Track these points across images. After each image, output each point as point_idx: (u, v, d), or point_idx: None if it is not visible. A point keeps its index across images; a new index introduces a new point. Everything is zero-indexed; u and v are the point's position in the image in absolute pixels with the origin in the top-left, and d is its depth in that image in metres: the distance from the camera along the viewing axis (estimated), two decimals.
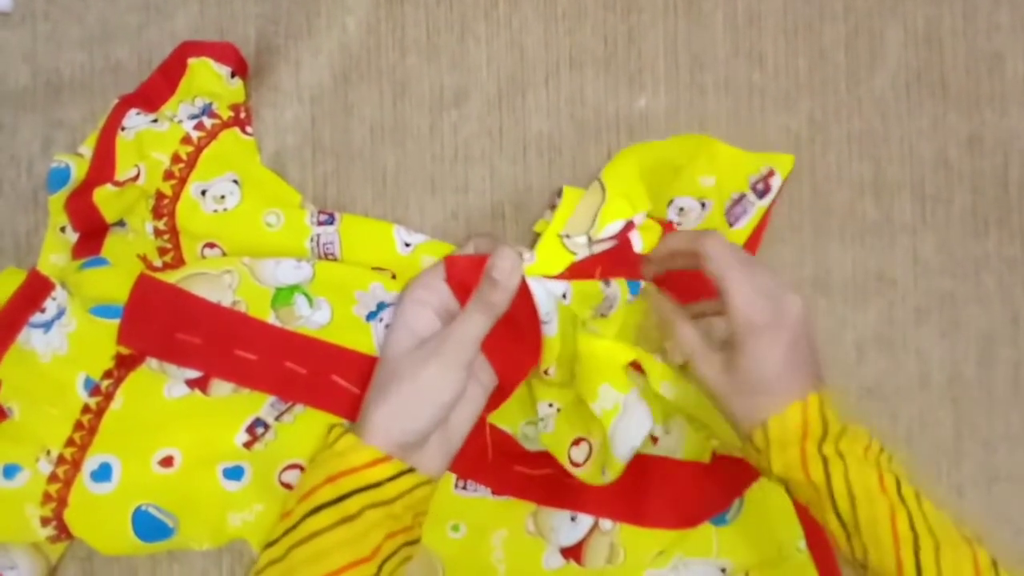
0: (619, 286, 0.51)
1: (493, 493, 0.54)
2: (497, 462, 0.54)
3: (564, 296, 0.50)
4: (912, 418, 0.56)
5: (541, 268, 0.50)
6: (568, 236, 0.51)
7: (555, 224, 0.51)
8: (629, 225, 0.51)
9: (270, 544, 0.45)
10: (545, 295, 0.50)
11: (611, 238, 0.51)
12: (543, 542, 0.54)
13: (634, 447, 0.49)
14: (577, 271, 0.51)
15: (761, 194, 0.55)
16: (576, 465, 0.52)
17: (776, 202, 0.56)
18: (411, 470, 0.46)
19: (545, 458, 0.53)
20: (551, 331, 0.50)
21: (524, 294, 0.50)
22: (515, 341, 0.50)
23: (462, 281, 0.50)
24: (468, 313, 0.48)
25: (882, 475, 0.44)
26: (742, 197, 0.55)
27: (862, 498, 0.43)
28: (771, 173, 0.55)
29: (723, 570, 0.53)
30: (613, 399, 0.49)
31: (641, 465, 0.53)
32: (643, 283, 0.52)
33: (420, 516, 0.48)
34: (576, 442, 0.52)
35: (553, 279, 0.51)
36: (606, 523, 0.54)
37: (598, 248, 0.51)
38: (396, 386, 0.47)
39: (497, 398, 0.51)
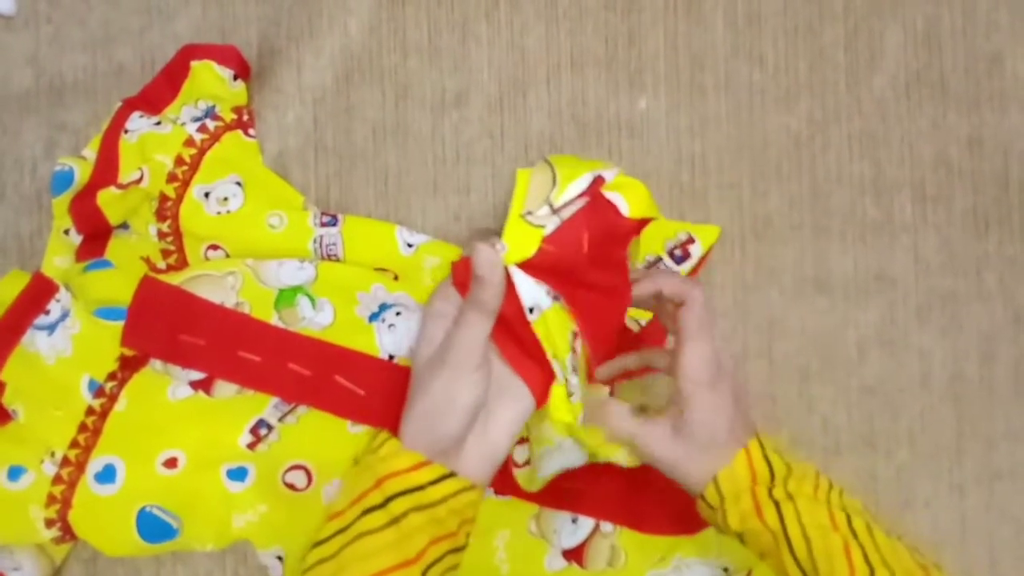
0: (582, 381, 0.49)
1: (496, 493, 0.54)
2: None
3: (531, 311, 0.48)
4: (914, 417, 0.56)
5: (516, 253, 0.48)
6: (530, 212, 0.50)
7: (515, 207, 0.50)
8: (598, 180, 0.49)
9: (320, 543, 0.46)
10: (530, 292, 0.48)
11: (579, 197, 0.49)
12: (545, 544, 0.54)
13: (559, 471, 0.50)
14: (559, 242, 0.48)
15: (679, 260, 0.55)
16: (515, 465, 0.52)
17: (701, 267, 0.55)
18: (452, 474, 0.46)
19: None
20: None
21: (514, 296, 0.48)
22: (526, 349, 0.49)
23: (465, 283, 0.49)
24: (463, 316, 0.48)
25: (832, 512, 0.46)
26: (657, 260, 0.55)
27: (816, 537, 0.45)
28: (690, 240, 0.55)
29: (725, 570, 0.53)
30: (550, 435, 0.49)
31: (642, 471, 0.53)
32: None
33: (466, 524, 0.47)
34: (520, 441, 0.52)
35: (536, 274, 0.49)
36: (607, 525, 0.54)
37: (567, 212, 0.49)
38: (418, 397, 0.47)
39: None
